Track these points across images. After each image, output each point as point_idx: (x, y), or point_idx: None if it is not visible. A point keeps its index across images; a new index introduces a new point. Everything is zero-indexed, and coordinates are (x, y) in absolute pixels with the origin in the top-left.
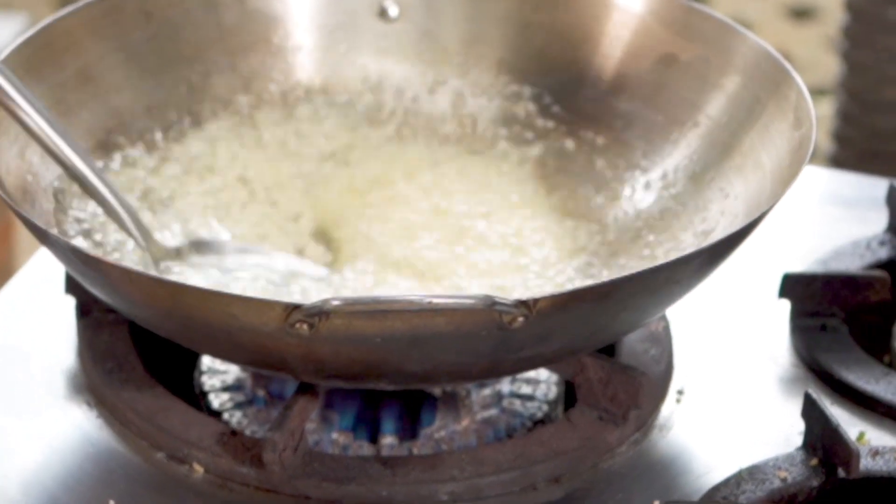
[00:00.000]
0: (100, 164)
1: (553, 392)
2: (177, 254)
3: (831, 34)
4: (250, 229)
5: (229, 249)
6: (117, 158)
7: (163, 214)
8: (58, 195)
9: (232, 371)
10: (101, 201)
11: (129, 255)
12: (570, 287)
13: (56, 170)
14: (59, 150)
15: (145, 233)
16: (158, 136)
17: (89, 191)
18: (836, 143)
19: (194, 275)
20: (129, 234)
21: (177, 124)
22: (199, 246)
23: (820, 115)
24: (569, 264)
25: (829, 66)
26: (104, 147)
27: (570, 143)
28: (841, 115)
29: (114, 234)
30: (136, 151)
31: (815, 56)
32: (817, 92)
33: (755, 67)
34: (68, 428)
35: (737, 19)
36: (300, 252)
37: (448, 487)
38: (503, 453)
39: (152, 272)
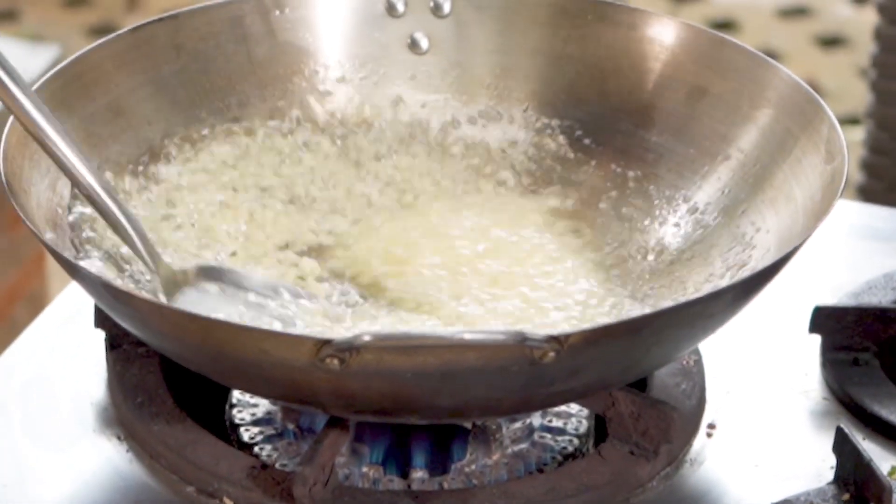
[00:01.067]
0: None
1: (584, 426)
2: (184, 277)
3: (861, 62)
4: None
5: (232, 277)
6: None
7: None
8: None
9: (262, 404)
10: (112, 220)
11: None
12: (601, 322)
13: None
14: (70, 164)
15: (154, 254)
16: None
17: (100, 209)
18: (866, 174)
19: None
20: (138, 253)
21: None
22: (208, 271)
23: (852, 144)
24: (600, 298)
25: (860, 95)
26: (135, 178)
27: (600, 177)
28: (870, 146)
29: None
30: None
31: (845, 84)
32: (848, 121)
33: (787, 100)
34: (98, 461)
35: (766, 48)
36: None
37: None
38: (534, 488)
39: (163, 298)
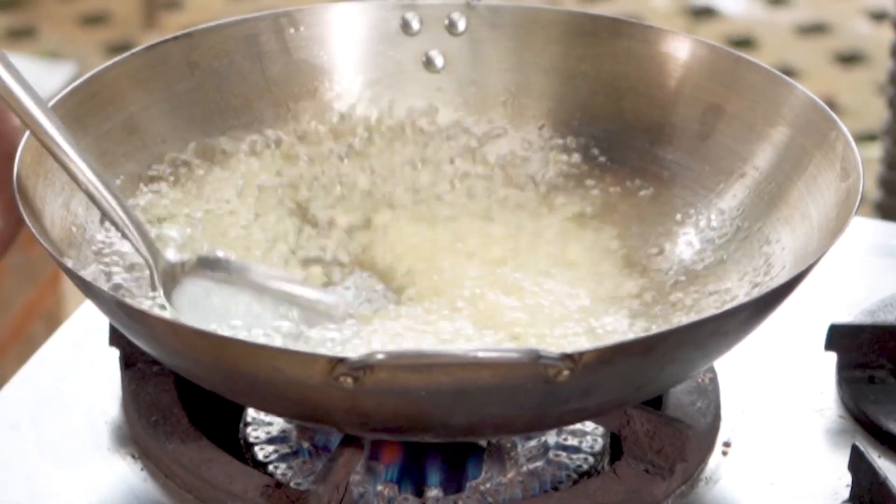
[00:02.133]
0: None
1: (599, 444)
2: (182, 269)
3: (879, 79)
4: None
5: (235, 267)
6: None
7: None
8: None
9: (277, 422)
10: (109, 214)
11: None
12: (615, 340)
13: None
14: (71, 161)
15: (152, 248)
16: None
17: (98, 203)
18: (883, 190)
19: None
20: (135, 245)
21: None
22: (208, 262)
23: (870, 161)
24: (614, 316)
25: (878, 112)
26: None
27: (615, 194)
28: (888, 162)
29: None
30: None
31: (863, 101)
32: (866, 138)
33: (802, 118)
34: (113, 480)
35: (784, 65)
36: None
37: None
38: None
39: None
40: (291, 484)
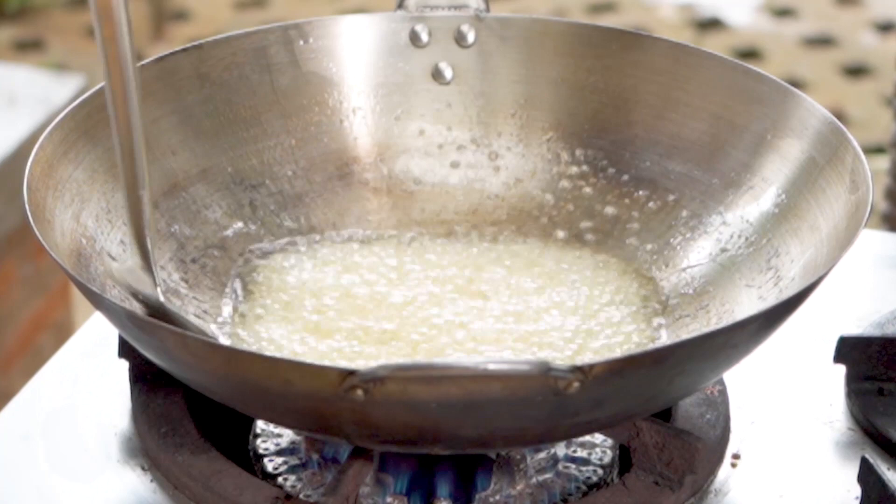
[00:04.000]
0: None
1: (608, 456)
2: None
3: (886, 91)
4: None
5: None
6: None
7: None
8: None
9: (286, 434)
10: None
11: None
12: (625, 352)
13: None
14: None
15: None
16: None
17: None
18: (891, 202)
19: None
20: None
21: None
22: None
23: (877, 173)
24: (624, 329)
25: (885, 123)
26: (158, 209)
27: (624, 205)
28: (895, 174)
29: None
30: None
31: (871, 113)
32: (873, 150)
33: (811, 130)
34: (122, 492)
35: (790, 77)
36: None
37: None
38: None
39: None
40: (301, 496)
